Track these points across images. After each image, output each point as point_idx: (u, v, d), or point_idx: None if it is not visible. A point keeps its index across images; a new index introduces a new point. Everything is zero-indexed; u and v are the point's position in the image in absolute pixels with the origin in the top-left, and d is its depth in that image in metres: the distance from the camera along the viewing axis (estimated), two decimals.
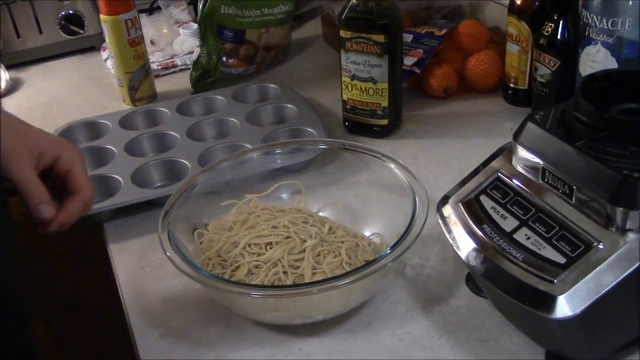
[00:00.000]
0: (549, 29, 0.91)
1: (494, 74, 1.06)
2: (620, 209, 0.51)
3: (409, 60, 1.05)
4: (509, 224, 0.58)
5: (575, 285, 0.51)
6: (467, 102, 1.07)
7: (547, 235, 0.55)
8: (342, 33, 0.92)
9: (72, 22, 1.32)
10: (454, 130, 0.99)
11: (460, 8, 1.21)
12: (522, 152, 0.59)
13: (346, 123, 1.00)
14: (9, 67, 1.29)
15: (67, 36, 1.33)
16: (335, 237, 0.72)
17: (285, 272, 0.66)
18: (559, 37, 0.90)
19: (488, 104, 1.06)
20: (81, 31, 1.34)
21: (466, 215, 0.61)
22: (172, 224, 0.69)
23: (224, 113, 1.03)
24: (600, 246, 0.52)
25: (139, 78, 1.10)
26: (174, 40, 1.31)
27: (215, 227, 0.74)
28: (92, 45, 1.37)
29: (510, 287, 0.55)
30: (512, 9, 0.98)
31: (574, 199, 0.54)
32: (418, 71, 1.05)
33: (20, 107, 1.19)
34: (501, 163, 0.62)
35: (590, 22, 0.81)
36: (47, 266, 1.15)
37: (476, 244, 0.58)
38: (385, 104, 0.95)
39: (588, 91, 0.57)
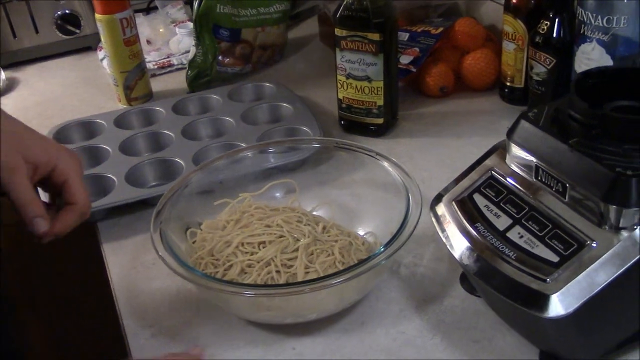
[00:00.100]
0: (545, 27, 0.90)
1: (491, 72, 1.05)
2: (614, 207, 0.50)
3: (405, 59, 1.05)
4: (502, 222, 0.57)
5: (568, 284, 0.50)
6: (464, 101, 1.06)
7: (540, 234, 0.54)
8: (337, 31, 0.91)
9: (69, 21, 1.32)
10: (450, 129, 0.99)
11: (456, 6, 1.21)
12: (516, 150, 0.59)
13: (342, 122, 1.00)
14: (5, 67, 1.29)
15: (63, 36, 1.33)
16: (329, 236, 0.71)
17: (278, 272, 0.66)
18: (554, 35, 0.89)
19: (484, 103, 1.05)
20: (77, 31, 1.34)
21: (459, 214, 0.60)
22: (165, 224, 0.69)
23: (220, 112, 1.03)
24: (594, 245, 0.51)
25: (134, 77, 1.10)
26: (171, 39, 1.31)
27: (208, 226, 0.74)
28: (89, 45, 1.37)
29: (503, 286, 0.54)
30: (508, 7, 0.97)
31: (567, 197, 0.54)
32: (414, 70, 1.04)
33: (16, 107, 1.18)
34: (495, 161, 0.62)
35: (585, 19, 0.80)
36: (43, 266, 1.14)
37: (469, 242, 0.58)
38: (380, 102, 0.94)
39: (582, 88, 0.56)
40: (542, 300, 0.51)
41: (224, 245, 0.69)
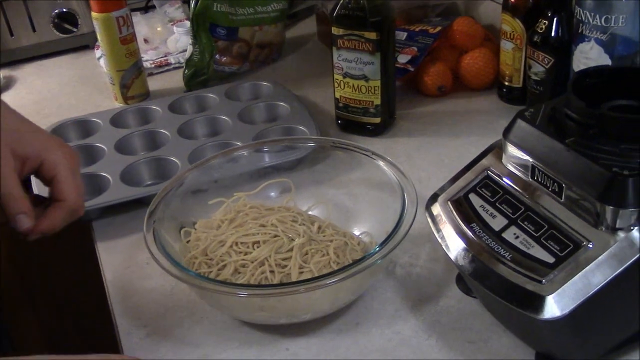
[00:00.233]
0: (543, 27, 0.90)
1: (489, 72, 1.05)
2: (610, 207, 0.50)
3: (403, 58, 1.04)
4: (497, 222, 0.57)
5: (564, 285, 0.50)
6: (462, 100, 1.06)
7: (536, 235, 0.54)
8: (334, 30, 0.91)
9: (66, 20, 1.32)
10: (448, 128, 0.98)
11: (454, 6, 1.20)
12: (512, 150, 0.58)
13: (339, 121, 0.99)
14: (2, 65, 1.29)
15: (60, 34, 1.33)
16: (324, 235, 0.70)
17: (272, 271, 0.65)
18: (552, 34, 0.89)
19: (482, 102, 1.05)
20: (75, 29, 1.33)
21: (455, 214, 0.60)
22: (159, 223, 0.68)
23: (216, 111, 1.02)
24: (590, 245, 0.51)
25: (131, 76, 1.10)
26: (168, 38, 1.30)
27: (202, 226, 0.73)
28: (86, 44, 1.36)
29: (498, 287, 0.54)
30: (507, 7, 0.97)
31: (563, 197, 0.54)
32: (412, 69, 1.04)
33: (13, 105, 1.14)
34: (491, 161, 0.61)
35: (583, 19, 0.80)
36: (38, 265, 1.14)
37: (465, 243, 0.57)
38: (378, 101, 0.94)
39: (579, 87, 0.56)
40: (537, 302, 0.50)
41: (217, 245, 0.69)
